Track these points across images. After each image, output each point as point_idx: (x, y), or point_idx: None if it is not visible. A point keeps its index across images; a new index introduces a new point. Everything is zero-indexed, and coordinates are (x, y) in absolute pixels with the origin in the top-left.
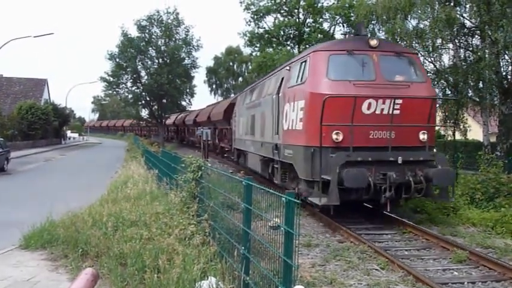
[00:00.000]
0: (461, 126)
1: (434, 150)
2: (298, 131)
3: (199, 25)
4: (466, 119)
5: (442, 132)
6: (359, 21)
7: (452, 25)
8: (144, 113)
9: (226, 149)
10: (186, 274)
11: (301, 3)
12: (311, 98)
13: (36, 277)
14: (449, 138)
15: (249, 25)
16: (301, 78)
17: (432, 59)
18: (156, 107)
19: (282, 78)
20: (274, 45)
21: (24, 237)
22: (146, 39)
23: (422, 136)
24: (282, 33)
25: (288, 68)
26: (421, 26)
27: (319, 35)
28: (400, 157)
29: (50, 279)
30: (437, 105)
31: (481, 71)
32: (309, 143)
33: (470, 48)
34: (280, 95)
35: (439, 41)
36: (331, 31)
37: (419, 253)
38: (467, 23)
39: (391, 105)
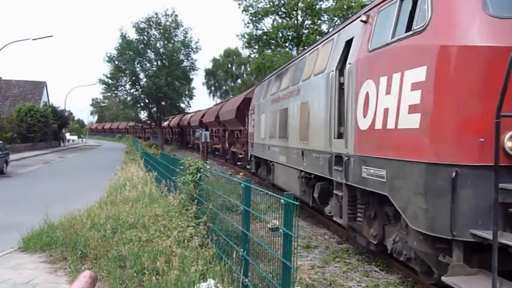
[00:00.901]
0: None
1: None
2: (407, 132)
3: (197, 27)
4: None
5: None
6: None
7: None
8: (143, 115)
9: (240, 156)
10: (185, 276)
11: (300, 5)
12: (449, 58)
13: (35, 280)
14: None
15: (248, 27)
16: (410, 24)
17: None
18: (155, 109)
19: (349, 41)
20: (272, 47)
21: (23, 239)
22: (145, 42)
23: None
24: (280, 35)
25: (363, 18)
26: None
27: (317, 37)
28: None
29: (49, 281)
30: None
31: None
32: (444, 158)
33: None
34: (347, 69)
35: None
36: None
37: None
38: None
39: None
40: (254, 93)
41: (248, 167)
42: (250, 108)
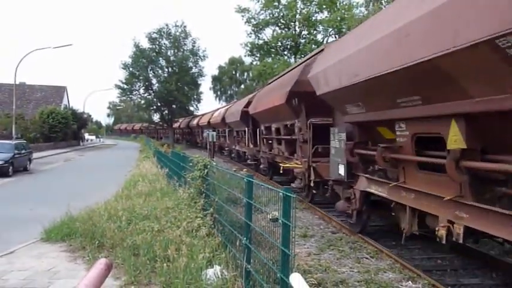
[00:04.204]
0: None
1: None
2: None
3: (205, 37)
4: None
5: None
6: None
7: None
8: (156, 117)
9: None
10: (193, 263)
11: (297, 16)
12: None
13: (56, 267)
14: None
15: (250, 37)
16: None
17: None
18: (166, 111)
19: None
20: (272, 55)
21: (45, 230)
22: (157, 50)
23: None
24: (279, 44)
25: None
26: None
27: (313, 46)
28: None
29: (69, 269)
30: None
31: None
32: None
33: None
34: None
35: None
36: (325, 42)
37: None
38: None
39: None
40: None
41: None
42: None
